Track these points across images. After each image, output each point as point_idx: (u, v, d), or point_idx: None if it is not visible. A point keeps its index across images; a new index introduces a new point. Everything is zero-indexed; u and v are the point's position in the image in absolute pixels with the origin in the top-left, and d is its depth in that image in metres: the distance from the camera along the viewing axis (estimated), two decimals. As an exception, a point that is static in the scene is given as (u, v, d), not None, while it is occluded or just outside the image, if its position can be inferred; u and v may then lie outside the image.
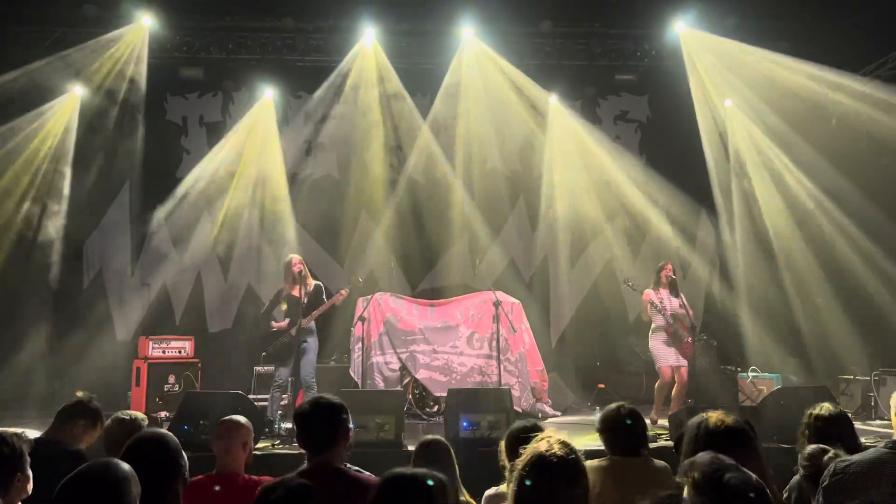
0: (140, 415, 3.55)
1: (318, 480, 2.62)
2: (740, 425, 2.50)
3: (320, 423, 2.75)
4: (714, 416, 2.56)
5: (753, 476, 1.78)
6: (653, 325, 7.59)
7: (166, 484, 2.37)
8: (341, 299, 7.31)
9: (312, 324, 7.25)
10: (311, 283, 7.32)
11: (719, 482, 1.75)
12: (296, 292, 7.18)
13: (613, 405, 3.43)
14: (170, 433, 2.57)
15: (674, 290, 7.56)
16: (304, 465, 2.77)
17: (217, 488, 3.06)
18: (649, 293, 7.55)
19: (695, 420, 2.61)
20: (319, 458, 2.73)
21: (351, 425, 2.88)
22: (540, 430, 3.17)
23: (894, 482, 2.66)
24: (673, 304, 7.49)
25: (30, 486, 2.56)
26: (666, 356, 7.46)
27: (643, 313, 7.77)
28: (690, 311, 7.53)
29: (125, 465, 2.05)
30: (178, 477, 2.42)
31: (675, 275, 7.66)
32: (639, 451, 3.29)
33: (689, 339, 7.42)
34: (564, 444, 2.24)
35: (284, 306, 7.33)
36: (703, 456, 1.91)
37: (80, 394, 3.67)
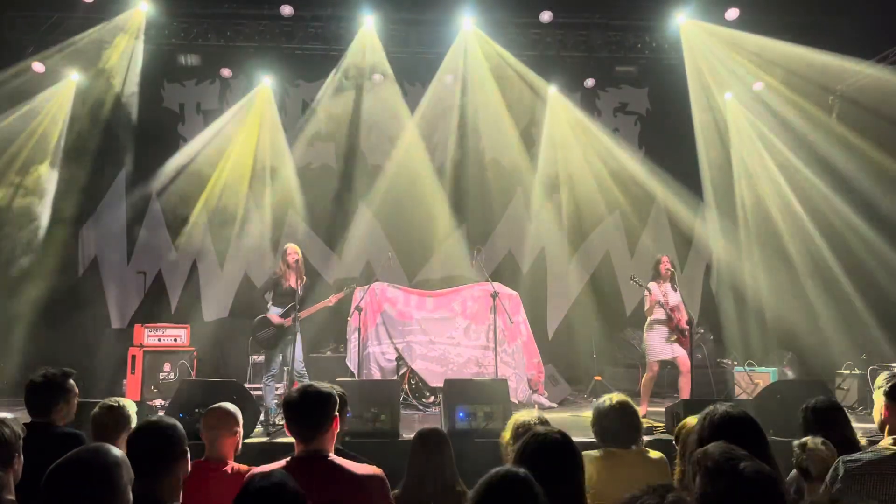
0: (128, 401, 3.51)
1: (305, 468, 2.61)
2: (748, 417, 2.47)
3: (308, 411, 2.74)
4: (721, 408, 2.54)
5: (766, 466, 1.78)
6: (651, 319, 7.45)
7: (166, 469, 2.40)
8: (334, 301, 7.29)
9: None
10: (304, 277, 7.31)
11: (734, 471, 1.76)
12: (292, 282, 7.14)
13: (605, 397, 3.43)
14: (177, 422, 2.57)
15: (673, 282, 7.51)
16: (293, 453, 2.76)
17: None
18: (654, 288, 7.45)
19: (703, 412, 2.60)
20: (308, 446, 2.73)
21: (340, 413, 2.86)
22: (545, 421, 3.18)
23: None
24: (673, 297, 7.45)
25: (20, 470, 2.57)
26: (661, 351, 7.35)
27: (646, 309, 7.57)
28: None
29: (116, 451, 2.04)
30: (178, 463, 2.46)
31: (673, 267, 7.59)
32: (632, 442, 3.28)
33: (688, 331, 7.40)
34: (561, 432, 2.28)
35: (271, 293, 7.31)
36: (716, 446, 1.91)
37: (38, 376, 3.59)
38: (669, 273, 7.49)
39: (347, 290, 7.51)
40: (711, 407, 2.56)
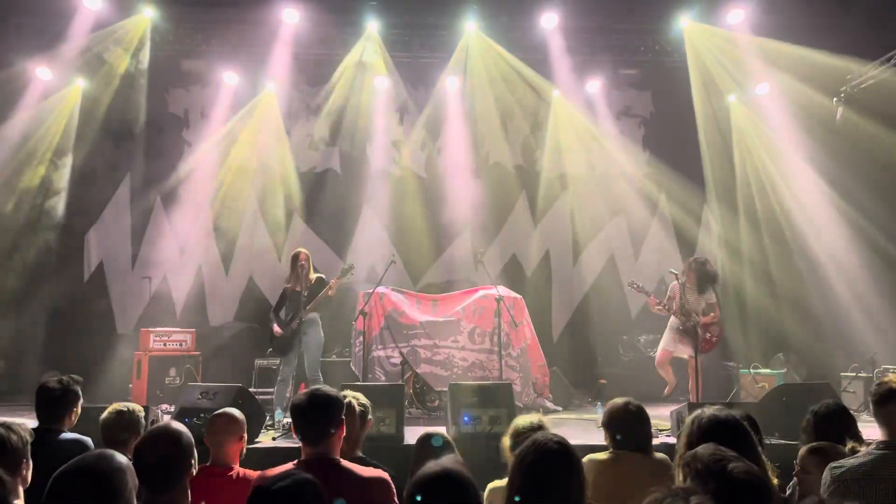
0: (137, 406, 3.54)
1: (311, 471, 2.60)
2: (735, 420, 2.48)
3: (316, 414, 2.74)
4: (709, 411, 2.54)
5: (755, 467, 1.79)
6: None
7: (176, 477, 2.40)
8: (332, 290, 7.24)
9: (315, 316, 7.21)
10: (314, 276, 7.28)
11: (722, 471, 1.78)
12: (297, 287, 7.17)
13: (620, 400, 3.38)
14: (185, 428, 2.57)
15: (702, 284, 7.63)
16: (299, 457, 2.77)
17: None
18: (674, 286, 7.69)
19: (691, 415, 2.60)
20: (314, 450, 2.73)
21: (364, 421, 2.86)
22: (542, 426, 3.16)
23: (890, 482, 2.67)
24: (692, 299, 7.53)
25: (29, 476, 2.58)
26: (671, 344, 7.66)
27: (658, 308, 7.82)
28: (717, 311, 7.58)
29: (121, 457, 2.03)
30: (187, 471, 2.45)
31: (693, 269, 7.70)
32: (644, 448, 3.27)
33: (709, 335, 7.47)
34: (559, 437, 2.28)
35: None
36: (705, 447, 1.92)
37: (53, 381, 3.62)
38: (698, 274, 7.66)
39: (344, 271, 7.44)
40: (700, 410, 2.57)
